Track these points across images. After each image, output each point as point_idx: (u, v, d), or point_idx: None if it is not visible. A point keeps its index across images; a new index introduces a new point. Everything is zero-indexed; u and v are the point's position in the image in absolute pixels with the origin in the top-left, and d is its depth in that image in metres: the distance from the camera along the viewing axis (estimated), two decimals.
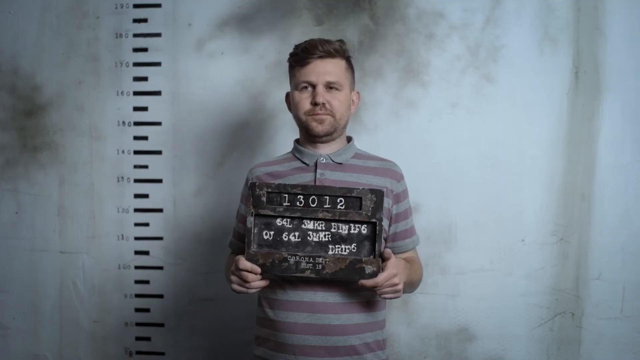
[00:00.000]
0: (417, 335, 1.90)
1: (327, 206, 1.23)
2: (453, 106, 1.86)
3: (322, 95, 1.31)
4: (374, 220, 1.22)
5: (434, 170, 1.87)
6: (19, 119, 1.99)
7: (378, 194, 1.22)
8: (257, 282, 1.23)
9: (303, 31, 1.87)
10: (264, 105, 1.92)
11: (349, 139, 1.44)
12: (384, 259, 1.22)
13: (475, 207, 1.86)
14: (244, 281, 1.23)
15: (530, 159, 1.85)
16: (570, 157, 1.84)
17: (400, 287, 1.21)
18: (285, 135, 1.91)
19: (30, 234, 2.01)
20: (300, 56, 1.34)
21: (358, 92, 1.44)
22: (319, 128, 1.33)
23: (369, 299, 1.31)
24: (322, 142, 1.37)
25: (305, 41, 1.36)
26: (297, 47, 1.37)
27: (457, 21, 1.85)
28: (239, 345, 1.96)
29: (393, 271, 1.20)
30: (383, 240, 1.33)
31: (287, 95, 1.44)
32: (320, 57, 1.32)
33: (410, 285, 1.35)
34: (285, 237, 1.24)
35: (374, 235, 1.22)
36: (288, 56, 1.39)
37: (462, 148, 1.86)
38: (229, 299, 1.95)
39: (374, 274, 1.19)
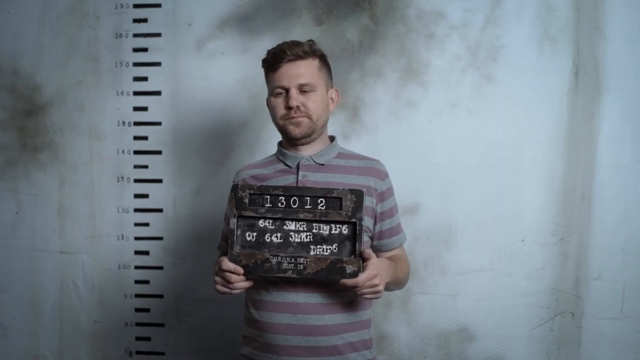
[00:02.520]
0: (417, 335, 1.90)
1: (308, 207, 1.24)
2: (453, 106, 1.86)
3: (295, 99, 1.31)
4: (354, 220, 1.22)
5: (434, 170, 1.87)
6: (19, 119, 1.99)
7: (358, 194, 1.22)
8: (240, 283, 1.24)
9: (303, 31, 1.87)
10: (264, 105, 1.90)
11: (332, 139, 1.43)
12: (364, 259, 1.22)
13: (475, 207, 1.86)
14: (227, 282, 1.24)
15: (530, 159, 1.85)
16: (570, 157, 1.84)
17: (380, 288, 1.21)
18: None
19: (30, 234, 2.01)
20: (271, 62, 1.34)
21: (336, 90, 1.42)
22: (296, 131, 1.34)
23: (351, 299, 1.30)
24: (302, 144, 1.37)
25: (276, 46, 1.36)
26: (268, 52, 1.37)
27: (457, 21, 1.85)
28: (239, 345, 1.96)
29: (373, 272, 1.20)
30: (368, 239, 1.35)
31: (267, 101, 1.42)
32: (290, 60, 1.32)
33: (396, 284, 1.36)
34: (267, 238, 1.25)
35: (354, 235, 1.23)
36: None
37: (462, 148, 1.86)
38: (229, 299, 1.95)
39: (354, 274, 1.20)
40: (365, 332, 1.34)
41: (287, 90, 1.33)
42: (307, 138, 1.35)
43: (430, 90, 1.86)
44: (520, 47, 1.83)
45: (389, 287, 1.33)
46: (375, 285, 1.20)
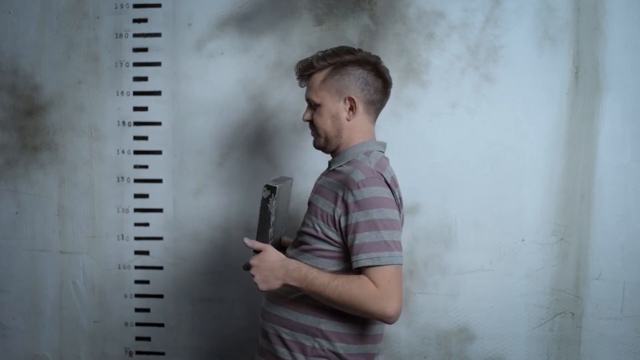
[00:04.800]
0: (417, 335, 1.90)
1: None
2: (453, 106, 1.86)
3: (305, 114, 1.40)
4: (260, 211, 1.30)
5: (434, 170, 1.87)
6: (19, 119, 1.99)
7: (265, 190, 1.28)
8: None
9: (303, 31, 1.87)
10: (264, 105, 1.92)
11: (360, 145, 1.36)
12: (256, 249, 1.30)
13: (475, 207, 1.86)
14: None
15: (530, 159, 1.85)
16: (570, 156, 1.84)
17: (255, 279, 1.27)
18: (285, 135, 1.91)
19: (30, 234, 2.01)
20: (297, 78, 1.42)
21: (350, 98, 1.33)
22: (313, 143, 1.42)
23: (291, 297, 1.32)
24: (328, 154, 1.43)
25: None
26: None
27: (457, 21, 1.85)
28: (239, 345, 1.97)
29: (252, 262, 1.28)
30: (314, 240, 1.31)
31: None
32: (303, 76, 1.38)
33: (327, 300, 1.23)
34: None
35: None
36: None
37: (462, 148, 1.86)
38: (229, 299, 1.95)
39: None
40: (305, 337, 1.29)
41: None
42: (325, 150, 1.41)
43: (430, 90, 1.86)
44: (520, 47, 1.83)
45: (320, 299, 1.24)
46: (253, 276, 1.28)
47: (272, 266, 1.26)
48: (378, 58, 1.38)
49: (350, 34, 1.87)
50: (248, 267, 1.29)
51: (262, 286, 1.27)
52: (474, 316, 1.88)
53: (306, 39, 1.88)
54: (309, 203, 1.38)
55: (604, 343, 1.86)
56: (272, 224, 1.30)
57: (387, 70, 1.39)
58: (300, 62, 1.38)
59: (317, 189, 1.37)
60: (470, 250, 1.87)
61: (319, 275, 1.24)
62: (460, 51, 1.85)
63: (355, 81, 1.33)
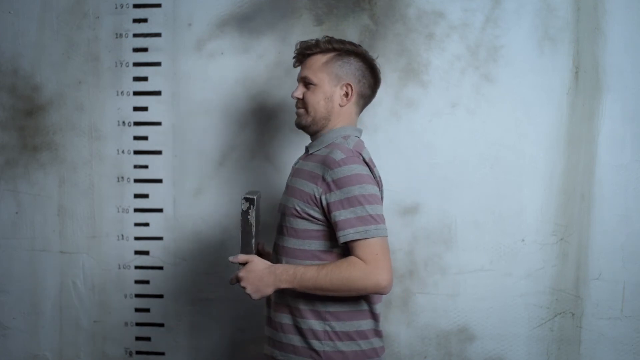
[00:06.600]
0: (417, 335, 1.90)
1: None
2: (453, 106, 1.86)
3: (296, 91, 1.42)
4: (242, 223, 1.33)
5: (434, 170, 1.87)
6: (19, 119, 1.99)
7: (244, 202, 1.32)
8: None
9: (303, 31, 1.87)
10: (264, 105, 1.92)
11: (341, 130, 1.40)
12: (242, 261, 1.32)
13: (475, 207, 1.86)
14: None
15: (530, 159, 1.85)
16: (570, 156, 1.84)
17: (247, 291, 1.30)
18: (285, 135, 1.91)
19: (30, 234, 2.01)
20: (294, 56, 1.45)
21: (348, 84, 1.39)
22: (296, 121, 1.44)
23: (291, 304, 1.35)
24: (308, 134, 1.45)
25: None
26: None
27: (457, 21, 1.85)
28: (239, 345, 1.97)
29: (240, 274, 1.31)
30: (297, 220, 1.34)
31: None
32: (302, 55, 1.42)
33: (323, 290, 1.26)
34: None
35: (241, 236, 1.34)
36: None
37: (462, 148, 1.86)
38: (229, 299, 1.95)
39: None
40: (314, 343, 1.32)
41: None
42: (307, 129, 1.43)
43: (430, 90, 1.86)
44: (520, 47, 1.83)
45: (315, 291, 1.27)
46: (243, 288, 1.30)
47: (261, 275, 1.30)
48: (374, 58, 1.46)
49: (350, 34, 1.87)
50: (237, 280, 1.32)
51: (255, 295, 1.30)
52: (474, 316, 1.88)
53: (306, 38, 1.87)
54: (287, 187, 1.41)
55: (604, 343, 1.86)
56: (254, 234, 1.34)
57: (380, 71, 1.46)
58: (304, 41, 1.43)
59: (296, 172, 1.41)
60: (470, 250, 1.87)
61: (306, 270, 1.27)
62: (460, 51, 1.85)
63: (355, 71, 1.41)
